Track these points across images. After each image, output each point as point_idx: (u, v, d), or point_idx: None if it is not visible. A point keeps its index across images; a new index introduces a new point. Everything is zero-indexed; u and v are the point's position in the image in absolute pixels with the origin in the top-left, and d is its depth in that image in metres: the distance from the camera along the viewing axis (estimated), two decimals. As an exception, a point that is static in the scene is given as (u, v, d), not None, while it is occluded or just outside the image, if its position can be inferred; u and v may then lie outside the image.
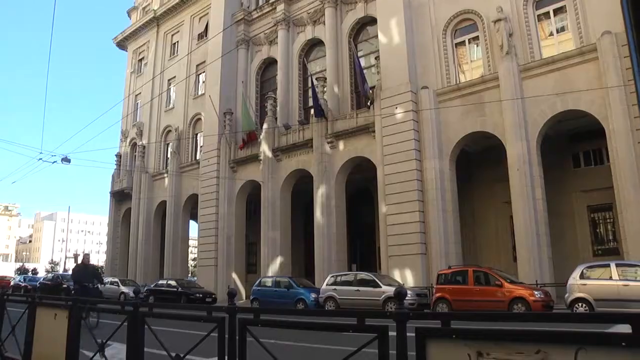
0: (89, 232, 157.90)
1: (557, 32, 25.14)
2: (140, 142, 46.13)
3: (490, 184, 28.82)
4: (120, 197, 47.96)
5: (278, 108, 35.12)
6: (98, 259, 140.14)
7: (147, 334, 5.92)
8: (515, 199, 23.75)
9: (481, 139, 27.09)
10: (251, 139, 35.09)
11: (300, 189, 33.49)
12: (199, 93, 41.84)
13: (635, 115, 20.43)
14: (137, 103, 48.71)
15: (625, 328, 2.57)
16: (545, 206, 23.53)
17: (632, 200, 20.51)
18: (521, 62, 24.73)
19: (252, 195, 36.57)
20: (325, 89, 31.53)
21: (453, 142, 26.41)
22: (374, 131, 28.56)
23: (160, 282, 31.81)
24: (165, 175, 42.49)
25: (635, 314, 2.55)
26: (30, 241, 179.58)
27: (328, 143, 30.68)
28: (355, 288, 22.68)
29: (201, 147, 39.75)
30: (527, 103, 24.04)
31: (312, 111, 32.30)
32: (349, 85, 32.57)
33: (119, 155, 49.00)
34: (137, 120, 48.20)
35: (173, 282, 30.23)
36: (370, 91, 29.39)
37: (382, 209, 27.31)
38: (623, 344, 2.46)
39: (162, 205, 42.66)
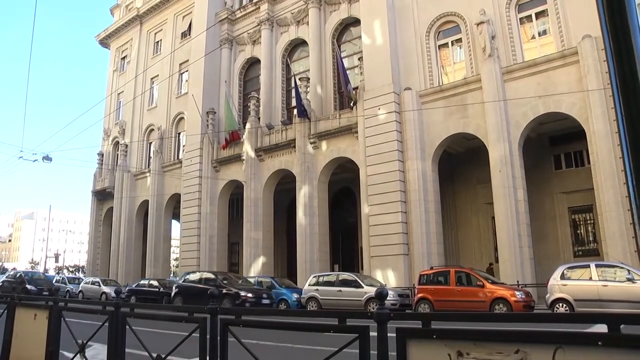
0: (70, 231, 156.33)
1: (539, 35, 25.37)
2: (123, 141, 45.80)
3: (473, 185, 29.06)
4: (102, 196, 47.58)
5: (261, 108, 35.10)
6: (79, 258, 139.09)
7: (128, 334, 5.89)
8: (497, 200, 23.91)
9: (464, 140, 27.29)
10: (234, 138, 35.03)
11: (283, 189, 33.51)
12: (182, 92, 41.65)
13: (615, 118, 20.64)
14: (120, 101, 48.35)
15: (602, 328, 2.61)
16: (526, 207, 23.72)
17: (612, 202, 20.74)
18: (503, 64, 24.92)
19: (234, 195, 36.53)
20: (308, 89, 31.54)
21: (436, 143, 26.52)
22: (356, 132, 28.63)
23: (142, 282, 31.48)
24: (148, 174, 42.24)
25: (612, 315, 2.59)
26: (9, 240, 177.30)
27: (311, 143, 30.70)
28: (338, 288, 22.70)
29: (184, 146, 39.60)
30: (510, 105, 24.23)
31: (295, 111, 32.32)
32: (332, 85, 32.66)
33: (100, 154, 48.61)
34: (120, 118, 47.87)
35: (155, 282, 29.98)
36: (354, 92, 29.46)
37: (365, 209, 27.37)
38: (599, 343, 2.50)
39: (145, 204, 42.39)
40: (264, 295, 22.70)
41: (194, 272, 27.72)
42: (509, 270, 22.87)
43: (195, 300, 21.40)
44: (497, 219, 24.19)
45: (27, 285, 33.08)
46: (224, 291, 22.18)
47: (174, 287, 26.13)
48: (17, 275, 36.93)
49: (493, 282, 19.72)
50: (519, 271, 22.64)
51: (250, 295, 22.02)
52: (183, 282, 25.60)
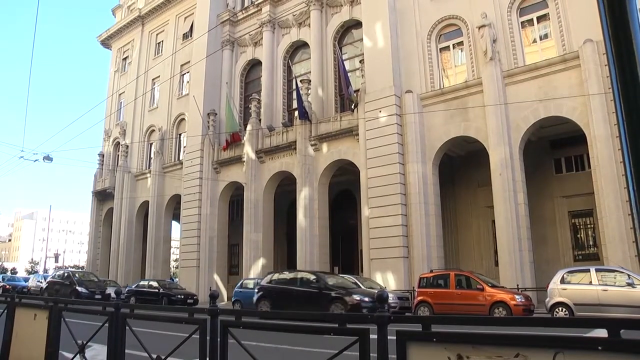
0: (70, 231, 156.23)
1: (541, 39, 25.38)
2: (124, 142, 45.85)
3: (473, 189, 29.07)
4: (102, 196, 47.60)
5: (262, 110, 35.11)
6: (79, 259, 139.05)
7: (128, 335, 5.90)
8: (498, 204, 23.90)
9: (464, 143, 27.31)
10: (235, 140, 35.07)
11: (284, 190, 33.57)
12: (183, 93, 41.72)
13: (615, 122, 20.55)
14: (121, 102, 48.41)
15: (602, 333, 2.61)
16: (527, 211, 23.70)
17: (612, 207, 20.72)
18: (505, 67, 24.91)
19: (235, 197, 36.55)
20: (309, 92, 31.57)
21: (436, 146, 26.51)
22: (357, 134, 28.64)
23: (142, 282, 31.30)
24: (148, 175, 42.28)
25: (611, 319, 2.59)
26: (9, 240, 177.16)
27: (312, 145, 30.72)
28: (338, 291, 22.57)
29: (184, 147, 39.67)
30: (510, 108, 24.24)
31: (296, 113, 32.34)
32: (333, 88, 32.69)
33: (101, 155, 48.67)
34: (121, 119, 47.93)
35: (154, 283, 29.86)
36: (355, 94, 29.49)
37: (365, 212, 27.37)
38: (599, 347, 2.51)
39: (145, 205, 42.40)
40: None
41: (283, 271, 24.16)
42: (509, 273, 22.85)
43: (292, 305, 19.28)
44: (497, 222, 24.18)
45: (77, 287, 29.24)
46: (333, 294, 18.87)
47: (256, 289, 22.39)
48: (65, 276, 32.24)
49: (493, 286, 19.70)
50: (518, 275, 22.62)
51: (367, 299, 18.25)
52: (269, 283, 21.59)
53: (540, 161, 27.39)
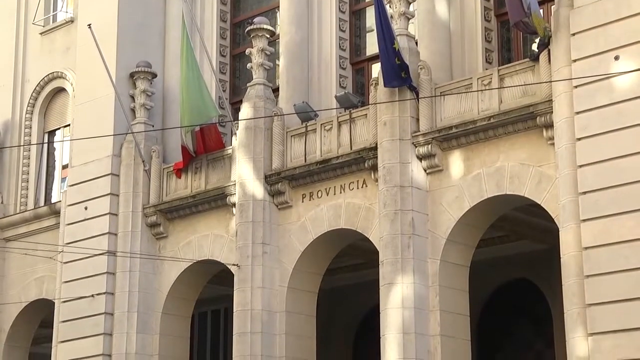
0: None
1: None
2: None
3: None
4: None
5: (281, 61, 15.88)
6: None
7: None
8: None
9: None
10: (207, 146, 15.63)
11: (339, 286, 16.07)
12: (57, 20, 19.77)
13: None
14: None
15: None
16: None
17: None
18: None
19: (206, 303, 17.83)
20: (414, 15, 13.42)
21: None
22: (550, 126, 11.33)
23: None
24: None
25: None
26: None
27: (420, 158, 12.47)
28: None
29: (65, 168, 18.88)
30: None
31: (374, 68, 14.63)
32: (478, 5, 13.77)
33: None
34: None
35: None
36: (540, 14, 11.69)
37: (578, 343, 10.07)
38: None
39: None
40: None
41: None
42: None
43: None
44: None
45: None
46: None
47: None
48: None
49: None
50: None
51: None
52: None
53: None
